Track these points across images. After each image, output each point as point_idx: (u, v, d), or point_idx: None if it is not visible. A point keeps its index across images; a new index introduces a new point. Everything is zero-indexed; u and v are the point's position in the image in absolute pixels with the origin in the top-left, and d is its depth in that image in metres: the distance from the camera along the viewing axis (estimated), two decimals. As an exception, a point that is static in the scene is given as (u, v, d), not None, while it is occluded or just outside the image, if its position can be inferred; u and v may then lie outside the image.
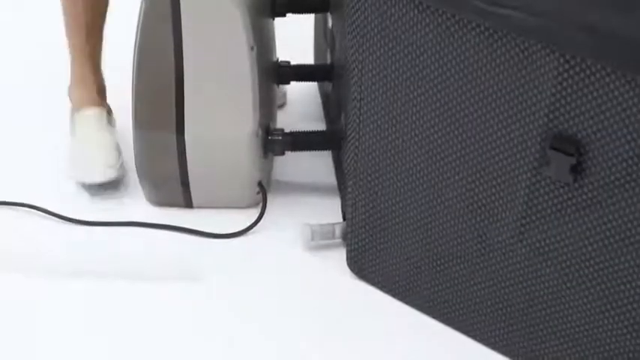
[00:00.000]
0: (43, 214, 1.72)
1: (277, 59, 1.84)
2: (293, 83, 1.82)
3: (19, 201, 1.74)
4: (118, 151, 1.81)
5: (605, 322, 1.33)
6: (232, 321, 1.54)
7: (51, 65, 1.93)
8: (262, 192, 1.73)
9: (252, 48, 1.60)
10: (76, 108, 1.87)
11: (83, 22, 1.79)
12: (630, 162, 1.19)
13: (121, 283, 1.59)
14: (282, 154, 1.76)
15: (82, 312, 1.55)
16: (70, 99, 1.90)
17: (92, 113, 1.85)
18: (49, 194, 1.76)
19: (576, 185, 1.26)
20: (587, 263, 1.30)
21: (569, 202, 1.28)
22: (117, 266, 1.60)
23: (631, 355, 1.32)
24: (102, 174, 1.76)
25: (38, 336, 1.50)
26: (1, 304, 1.56)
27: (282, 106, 1.97)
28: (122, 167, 1.79)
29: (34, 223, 1.71)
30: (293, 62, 1.75)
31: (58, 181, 1.80)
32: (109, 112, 1.89)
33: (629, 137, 1.18)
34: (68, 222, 1.71)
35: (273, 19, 1.78)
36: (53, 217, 1.71)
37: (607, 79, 1.16)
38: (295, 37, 1.66)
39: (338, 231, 1.65)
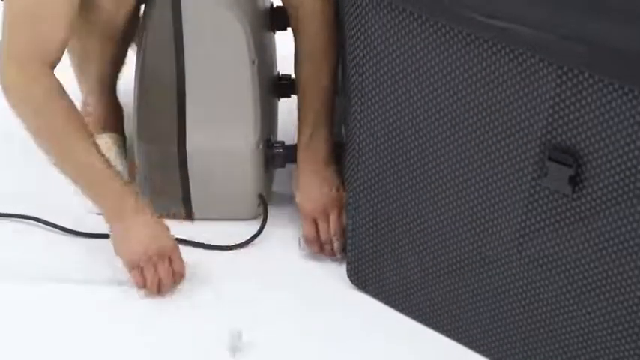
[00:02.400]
0: (46, 226, 1.72)
1: (278, 73, 1.85)
2: (293, 97, 1.82)
3: (22, 213, 1.74)
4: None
5: (604, 332, 1.33)
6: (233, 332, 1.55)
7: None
8: (263, 204, 1.74)
9: (253, 62, 1.61)
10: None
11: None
12: (628, 173, 1.20)
13: (123, 294, 1.59)
14: (283, 166, 1.76)
15: (84, 321, 1.55)
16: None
17: (105, 141, 1.82)
18: (52, 206, 1.76)
19: (575, 196, 1.26)
20: (586, 274, 1.31)
21: (568, 213, 1.28)
22: (120, 277, 1.61)
23: (630, 364, 1.33)
24: None
25: (41, 345, 1.51)
26: (6, 314, 1.56)
27: None
28: None
29: (38, 235, 1.71)
30: (293, 76, 1.76)
31: (60, 194, 1.79)
32: (123, 134, 1.87)
33: (627, 148, 1.18)
34: (71, 234, 1.71)
35: (274, 33, 1.80)
36: (56, 230, 1.72)
37: (605, 91, 1.17)
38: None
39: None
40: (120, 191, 1.56)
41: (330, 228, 1.64)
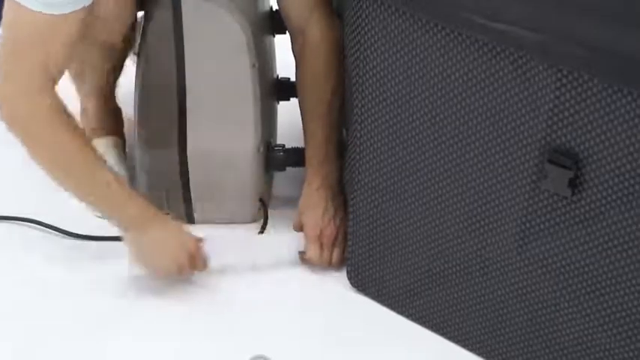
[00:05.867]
0: (47, 229, 1.72)
1: (277, 76, 1.85)
2: (293, 100, 1.83)
3: (22, 216, 1.74)
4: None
5: (604, 334, 1.33)
6: (232, 336, 1.55)
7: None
8: (263, 208, 1.75)
9: (254, 65, 1.61)
10: (88, 135, 1.79)
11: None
12: (628, 175, 1.20)
13: (123, 297, 1.60)
14: (283, 169, 1.77)
15: (82, 324, 1.56)
16: (82, 123, 1.84)
17: (105, 143, 1.82)
18: (53, 209, 1.75)
19: (574, 199, 1.27)
20: (586, 276, 1.31)
21: (568, 216, 1.29)
22: (120, 280, 1.61)
23: (629, 366, 1.33)
24: None
25: (43, 348, 1.51)
26: (7, 317, 1.57)
27: None
28: None
29: (38, 238, 1.72)
30: (292, 79, 1.77)
31: (60, 196, 1.80)
32: (122, 137, 1.86)
33: (626, 151, 1.19)
34: (72, 237, 1.71)
35: (274, 37, 1.80)
36: (57, 232, 1.72)
37: (604, 93, 1.17)
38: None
39: None
40: (139, 203, 1.54)
41: (333, 259, 1.65)
